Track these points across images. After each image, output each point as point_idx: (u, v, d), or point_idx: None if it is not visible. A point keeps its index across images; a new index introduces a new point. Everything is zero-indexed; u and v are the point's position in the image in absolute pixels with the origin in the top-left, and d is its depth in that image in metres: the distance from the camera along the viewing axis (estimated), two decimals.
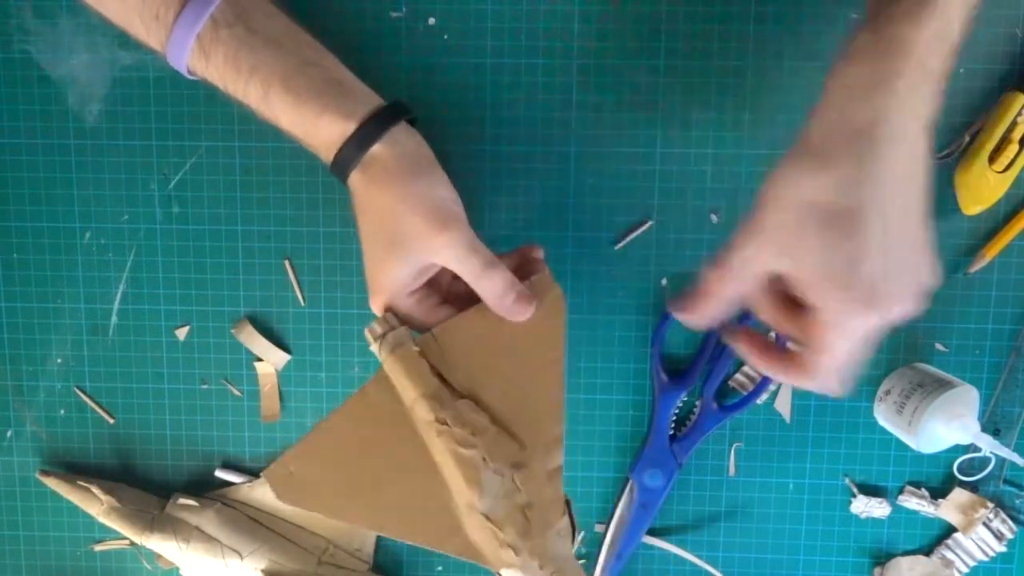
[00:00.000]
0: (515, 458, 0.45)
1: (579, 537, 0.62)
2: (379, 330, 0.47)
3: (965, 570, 0.61)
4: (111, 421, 0.63)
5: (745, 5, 0.57)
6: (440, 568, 0.64)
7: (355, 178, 0.46)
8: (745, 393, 0.60)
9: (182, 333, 0.62)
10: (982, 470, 0.58)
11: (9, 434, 0.63)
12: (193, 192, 0.60)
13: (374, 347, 0.47)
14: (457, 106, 0.58)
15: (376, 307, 0.48)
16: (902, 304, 0.40)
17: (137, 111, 0.59)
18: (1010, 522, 0.60)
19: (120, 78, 0.59)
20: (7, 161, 0.60)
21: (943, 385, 0.54)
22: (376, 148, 0.45)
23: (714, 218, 0.59)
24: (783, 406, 0.61)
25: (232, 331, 0.61)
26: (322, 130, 0.45)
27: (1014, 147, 0.55)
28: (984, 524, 0.60)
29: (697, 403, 0.60)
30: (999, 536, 0.60)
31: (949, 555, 0.61)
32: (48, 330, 0.62)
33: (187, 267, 0.61)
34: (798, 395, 0.61)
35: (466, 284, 0.47)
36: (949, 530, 0.61)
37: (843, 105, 0.40)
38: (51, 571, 0.65)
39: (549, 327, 0.47)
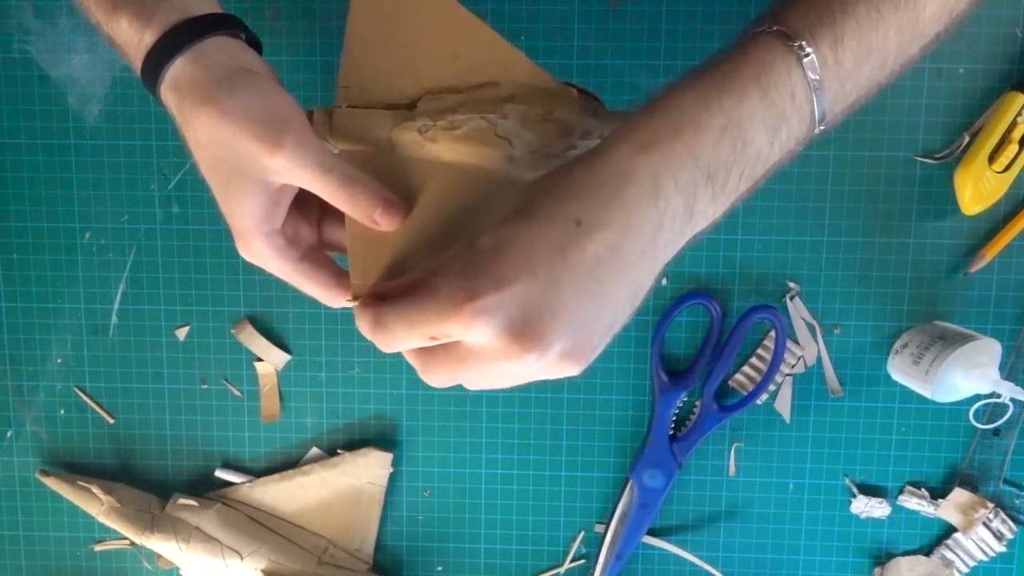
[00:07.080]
0: (500, 95, 0.42)
1: None
2: (320, 119, 0.42)
3: (965, 570, 0.61)
4: (111, 421, 0.63)
5: (745, 5, 0.57)
6: (440, 568, 0.64)
7: (167, 98, 0.40)
8: (745, 393, 0.60)
9: (182, 333, 0.62)
10: (998, 419, 0.56)
11: (9, 434, 0.63)
12: (193, 192, 0.60)
13: (331, 142, 0.42)
14: None
15: (244, 251, 0.43)
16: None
17: (137, 111, 0.59)
18: (1010, 522, 0.60)
19: (120, 78, 0.59)
20: (7, 161, 0.60)
21: (964, 338, 0.54)
22: (179, 63, 0.39)
23: None
24: (783, 406, 0.61)
25: (232, 331, 0.61)
26: (122, 35, 0.40)
27: (1014, 147, 0.55)
28: (984, 524, 0.60)
29: (697, 403, 0.60)
30: (999, 536, 0.60)
31: (949, 555, 0.61)
32: (48, 330, 0.62)
33: (187, 267, 0.61)
34: (798, 395, 0.61)
35: None
36: (949, 530, 0.61)
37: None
38: (51, 571, 0.65)
39: None
